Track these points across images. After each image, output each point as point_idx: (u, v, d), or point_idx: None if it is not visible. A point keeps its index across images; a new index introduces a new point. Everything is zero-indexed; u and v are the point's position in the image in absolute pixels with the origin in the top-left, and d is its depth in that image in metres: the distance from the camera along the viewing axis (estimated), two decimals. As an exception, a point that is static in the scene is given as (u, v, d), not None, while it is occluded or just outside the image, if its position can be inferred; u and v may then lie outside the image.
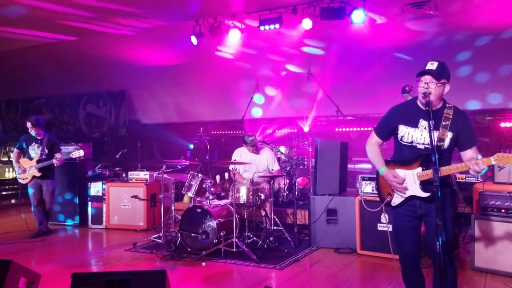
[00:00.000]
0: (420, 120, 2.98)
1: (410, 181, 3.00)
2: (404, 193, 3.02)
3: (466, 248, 5.08)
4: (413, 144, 3.02)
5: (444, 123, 2.93)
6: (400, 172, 3.04)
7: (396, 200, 3.09)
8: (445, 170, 2.83)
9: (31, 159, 6.43)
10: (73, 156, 6.45)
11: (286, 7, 6.90)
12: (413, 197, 3.02)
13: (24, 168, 6.39)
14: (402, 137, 3.06)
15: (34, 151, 6.45)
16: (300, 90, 8.72)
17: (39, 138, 6.50)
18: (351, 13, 6.50)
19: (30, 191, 6.48)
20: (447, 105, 3.00)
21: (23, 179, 6.44)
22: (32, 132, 6.46)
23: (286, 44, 8.13)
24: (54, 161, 6.31)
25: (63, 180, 7.25)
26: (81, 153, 6.43)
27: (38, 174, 6.37)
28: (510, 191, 4.33)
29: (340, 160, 5.73)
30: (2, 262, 2.94)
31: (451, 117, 2.93)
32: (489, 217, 4.35)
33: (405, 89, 5.26)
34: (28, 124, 6.45)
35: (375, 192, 4.97)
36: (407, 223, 3.09)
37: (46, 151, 6.44)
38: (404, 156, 3.07)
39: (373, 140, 3.25)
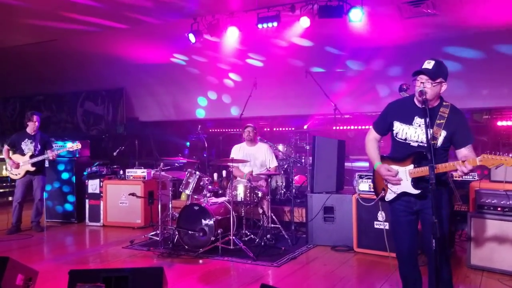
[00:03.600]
0: (415, 117, 2.99)
1: (402, 178, 3.03)
2: (399, 184, 3.03)
3: (463, 246, 5.11)
4: (407, 141, 3.04)
5: (438, 121, 2.93)
6: (394, 168, 3.07)
7: (389, 195, 3.12)
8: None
9: (23, 155, 6.44)
10: (70, 149, 6.50)
11: (284, 5, 6.90)
12: (405, 194, 3.04)
13: (18, 163, 6.39)
14: (397, 133, 3.09)
15: (27, 146, 6.47)
16: (298, 88, 8.71)
17: (32, 134, 6.54)
18: (349, 11, 6.50)
19: (18, 186, 6.50)
20: (444, 103, 3.00)
21: (16, 175, 6.44)
22: (30, 128, 6.50)
23: (284, 41, 8.13)
24: (48, 155, 6.35)
25: (61, 177, 7.25)
26: (78, 145, 6.52)
27: (32, 169, 6.40)
28: (506, 189, 4.35)
29: (338, 158, 5.76)
30: (0, 259, 2.95)
31: (446, 116, 2.94)
32: (485, 215, 4.37)
33: (402, 87, 5.28)
34: (36, 118, 6.53)
35: (372, 190, 5.04)
36: (403, 218, 3.12)
37: (39, 146, 6.50)
38: (398, 152, 3.09)
39: (371, 136, 3.28)
